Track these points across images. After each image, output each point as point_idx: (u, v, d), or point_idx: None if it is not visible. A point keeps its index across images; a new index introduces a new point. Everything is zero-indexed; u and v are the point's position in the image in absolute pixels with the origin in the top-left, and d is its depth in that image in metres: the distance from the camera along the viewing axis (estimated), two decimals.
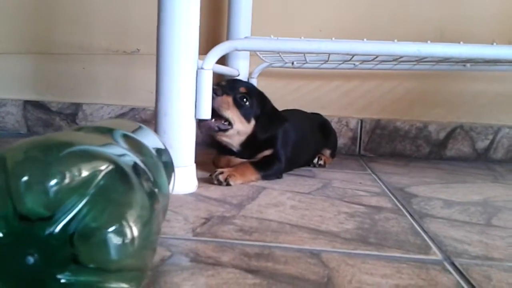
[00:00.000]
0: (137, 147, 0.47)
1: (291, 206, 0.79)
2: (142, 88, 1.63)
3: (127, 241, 0.33)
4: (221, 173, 0.92)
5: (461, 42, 0.87)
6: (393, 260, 0.54)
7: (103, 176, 0.33)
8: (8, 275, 0.31)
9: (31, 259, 0.31)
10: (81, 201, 0.31)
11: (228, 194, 0.85)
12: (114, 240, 0.32)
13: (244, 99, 0.99)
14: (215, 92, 0.92)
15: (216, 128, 0.97)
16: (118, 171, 0.35)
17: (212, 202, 0.79)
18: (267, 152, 1.03)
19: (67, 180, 0.32)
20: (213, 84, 0.94)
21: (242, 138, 1.02)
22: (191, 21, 0.82)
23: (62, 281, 0.31)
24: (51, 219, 0.31)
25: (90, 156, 0.35)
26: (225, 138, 1.01)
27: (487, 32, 1.44)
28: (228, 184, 0.91)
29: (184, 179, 0.84)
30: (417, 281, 0.48)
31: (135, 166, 0.40)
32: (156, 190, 0.42)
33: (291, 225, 0.67)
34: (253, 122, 1.01)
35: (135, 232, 0.33)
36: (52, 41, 1.71)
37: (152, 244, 0.38)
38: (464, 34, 1.44)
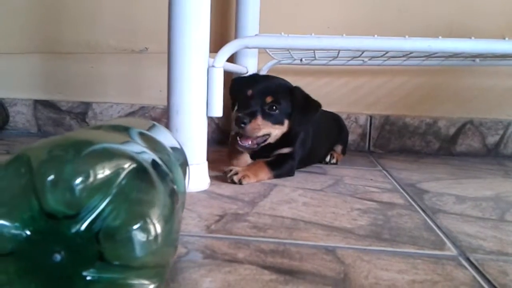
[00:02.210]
0: (154, 145, 0.48)
1: (304, 203, 0.79)
2: (151, 86, 1.64)
3: (150, 238, 0.33)
4: (236, 173, 0.92)
5: (472, 37, 0.87)
6: (408, 256, 0.54)
7: (125, 175, 0.34)
8: (36, 272, 0.32)
9: (58, 257, 0.32)
10: (104, 200, 0.32)
11: (240, 191, 0.85)
12: (138, 237, 0.32)
13: (273, 107, 0.98)
14: (242, 121, 0.93)
15: (256, 146, 0.98)
16: (140, 170, 0.36)
17: (225, 199, 0.79)
18: (285, 150, 1.04)
19: (91, 179, 0.32)
20: (242, 97, 1.00)
21: (278, 136, 1.02)
22: (202, 19, 0.82)
23: (88, 278, 0.32)
24: (76, 217, 0.32)
25: (112, 154, 0.35)
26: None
27: (497, 27, 1.43)
28: (240, 183, 0.91)
29: (197, 176, 0.85)
30: (433, 276, 0.48)
31: (154, 164, 0.40)
32: (175, 187, 0.43)
33: (304, 222, 0.67)
34: (287, 122, 1.01)
35: (158, 230, 0.34)
36: (61, 41, 1.72)
37: (174, 242, 0.39)
38: (474, 29, 1.43)
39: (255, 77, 1.08)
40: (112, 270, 0.32)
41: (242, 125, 0.93)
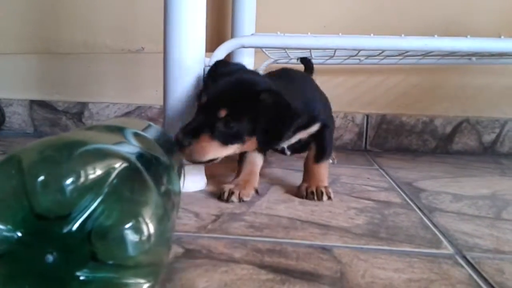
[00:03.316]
0: (149, 145, 0.48)
1: (300, 202, 0.79)
2: (148, 86, 1.63)
3: (143, 237, 0.33)
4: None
5: (468, 36, 0.87)
6: (405, 255, 0.54)
7: (117, 175, 0.34)
8: (29, 274, 0.32)
9: (50, 258, 0.31)
10: (95, 200, 0.32)
11: None
12: (131, 236, 0.32)
13: (229, 124, 0.71)
14: (181, 144, 0.69)
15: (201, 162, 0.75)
16: (132, 169, 0.35)
17: None
18: (314, 128, 0.85)
19: (81, 179, 0.32)
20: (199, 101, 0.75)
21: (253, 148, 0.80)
22: (197, 19, 0.82)
23: (81, 278, 0.32)
24: (68, 218, 0.31)
25: (103, 155, 0.35)
26: None
27: (492, 25, 1.43)
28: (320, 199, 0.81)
29: (194, 176, 0.85)
30: (430, 275, 0.48)
31: (148, 164, 0.40)
32: (169, 187, 0.43)
33: (301, 221, 0.67)
34: (250, 138, 0.73)
35: (151, 229, 0.34)
36: (57, 41, 1.71)
37: (168, 241, 0.39)
38: (470, 27, 1.43)
39: (221, 72, 0.78)
40: (106, 269, 0.32)
41: (181, 147, 0.70)
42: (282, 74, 0.90)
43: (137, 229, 0.33)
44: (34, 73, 1.75)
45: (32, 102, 1.73)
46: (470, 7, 1.45)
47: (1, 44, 1.75)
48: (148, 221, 0.34)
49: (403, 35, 0.87)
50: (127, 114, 1.65)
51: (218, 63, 0.82)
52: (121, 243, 0.32)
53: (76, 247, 0.31)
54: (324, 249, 0.55)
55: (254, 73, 0.83)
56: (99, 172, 0.33)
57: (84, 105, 1.69)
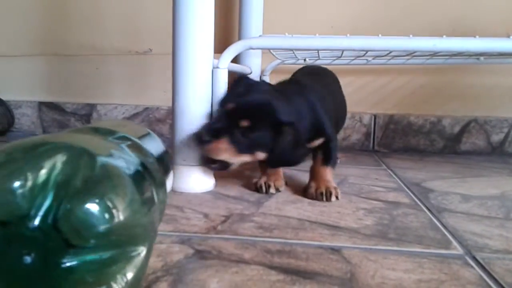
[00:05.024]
0: (131, 144, 0.47)
1: (309, 202, 0.79)
2: (155, 87, 1.64)
3: (105, 211, 0.33)
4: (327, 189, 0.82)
5: (477, 36, 0.87)
6: (414, 255, 0.54)
7: (62, 167, 0.33)
8: (10, 278, 0.32)
9: (28, 259, 0.31)
10: (47, 197, 0.32)
11: (245, 191, 0.86)
12: (92, 213, 0.32)
13: (246, 134, 0.77)
14: (200, 138, 0.78)
15: (216, 168, 0.83)
16: (77, 156, 0.35)
17: (230, 199, 0.80)
18: (320, 141, 0.89)
19: (29, 178, 0.32)
20: (222, 107, 0.82)
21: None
22: (206, 20, 0.82)
23: (64, 266, 0.32)
24: (28, 216, 0.31)
25: (48, 151, 0.34)
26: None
27: (500, 25, 1.43)
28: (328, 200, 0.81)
29: (202, 177, 0.85)
30: (440, 275, 0.48)
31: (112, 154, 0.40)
32: (139, 170, 0.42)
33: (310, 222, 0.67)
34: (260, 154, 0.80)
35: (109, 203, 0.33)
36: (65, 42, 1.72)
37: (144, 206, 0.38)
38: (477, 27, 1.43)
39: (247, 83, 0.86)
40: (85, 252, 0.32)
41: (201, 143, 0.78)
42: (298, 84, 0.93)
43: (99, 205, 0.33)
44: (43, 75, 1.76)
45: (41, 103, 1.75)
46: (477, 6, 1.45)
47: (10, 47, 1.77)
48: (106, 198, 0.33)
49: (411, 36, 0.87)
50: (135, 115, 1.66)
51: (243, 77, 0.90)
52: (84, 223, 0.32)
53: (49, 240, 0.32)
54: (334, 250, 0.55)
55: (280, 92, 0.85)
56: (46, 167, 0.33)
57: (92, 106, 1.70)
